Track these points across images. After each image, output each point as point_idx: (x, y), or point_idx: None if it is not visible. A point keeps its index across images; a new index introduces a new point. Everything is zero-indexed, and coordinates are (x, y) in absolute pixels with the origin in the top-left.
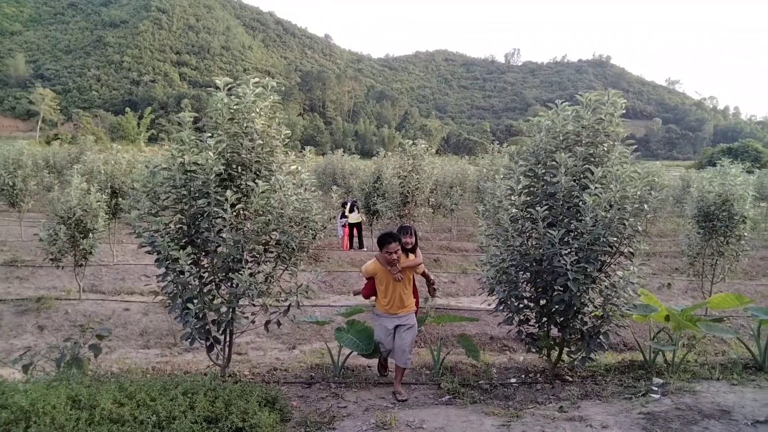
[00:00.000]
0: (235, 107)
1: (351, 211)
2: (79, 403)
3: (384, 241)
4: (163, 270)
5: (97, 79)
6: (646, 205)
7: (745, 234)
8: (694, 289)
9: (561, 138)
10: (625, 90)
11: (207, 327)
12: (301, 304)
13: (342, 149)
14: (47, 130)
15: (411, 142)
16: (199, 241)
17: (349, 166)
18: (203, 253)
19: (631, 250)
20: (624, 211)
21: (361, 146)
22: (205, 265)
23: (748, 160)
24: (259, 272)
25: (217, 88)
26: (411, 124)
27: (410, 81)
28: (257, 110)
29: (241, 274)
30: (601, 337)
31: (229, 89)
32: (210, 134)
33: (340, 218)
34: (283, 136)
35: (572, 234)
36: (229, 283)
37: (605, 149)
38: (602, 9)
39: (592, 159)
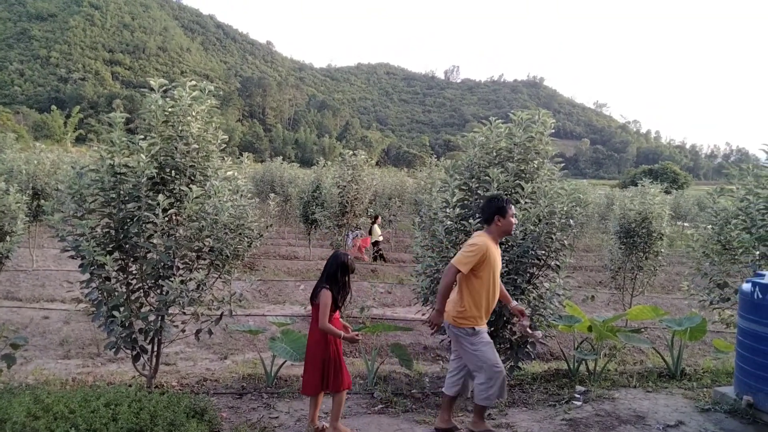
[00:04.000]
0: (170, 110)
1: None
2: None
3: (503, 203)
4: (87, 276)
5: (20, 74)
6: (572, 220)
7: (662, 250)
8: (616, 302)
9: (494, 154)
10: (557, 111)
11: (133, 336)
12: (234, 313)
13: (281, 157)
14: None
15: (351, 152)
16: (127, 246)
17: (288, 174)
18: (132, 259)
19: (558, 263)
20: (552, 225)
21: (301, 155)
22: (134, 272)
23: (666, 181)
24: (190, 279)
25: (152, 89)
26: (352, 135)
27: (352, 92)
28: (193, 114)
29: (172, 281)
30: (528, 346)
31: (165, 91)
32: (143, 136)
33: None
34: (219, 141)
35: (503, 247)
36: (158, 291)
37: (535, 166)
38: (537, 32)
39: (523, 175)
